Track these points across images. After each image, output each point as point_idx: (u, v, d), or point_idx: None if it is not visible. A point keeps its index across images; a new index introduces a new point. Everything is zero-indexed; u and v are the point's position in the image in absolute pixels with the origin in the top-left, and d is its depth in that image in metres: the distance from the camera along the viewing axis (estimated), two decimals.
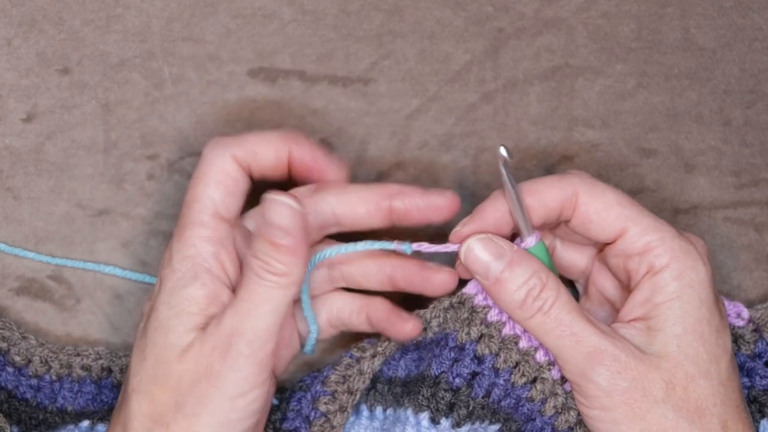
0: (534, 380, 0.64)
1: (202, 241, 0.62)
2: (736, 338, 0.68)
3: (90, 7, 0.73)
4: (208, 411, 0.60)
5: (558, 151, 0.73)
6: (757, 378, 0.67)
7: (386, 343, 0.66)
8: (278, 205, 0.60)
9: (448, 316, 0.65)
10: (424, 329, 0.66)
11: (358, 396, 0.66)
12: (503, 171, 0.63)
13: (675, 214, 0.73)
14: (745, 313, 0.68)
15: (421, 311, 0.66)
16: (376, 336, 0.69)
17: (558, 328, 0.61)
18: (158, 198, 0.73)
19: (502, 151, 0.63)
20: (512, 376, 0.64)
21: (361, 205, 0.65)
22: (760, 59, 0.74)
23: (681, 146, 0.73)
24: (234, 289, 0.63)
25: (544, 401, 0.64)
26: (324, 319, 0.68)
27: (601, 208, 0.63)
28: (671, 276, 0.61)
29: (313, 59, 0.73)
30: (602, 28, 0.74)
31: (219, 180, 0.63)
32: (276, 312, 0.61)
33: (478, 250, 0.63)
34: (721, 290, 0.72)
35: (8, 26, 0.73)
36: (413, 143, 0.73)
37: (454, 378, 0.64)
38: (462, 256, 0.63)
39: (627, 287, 0.64)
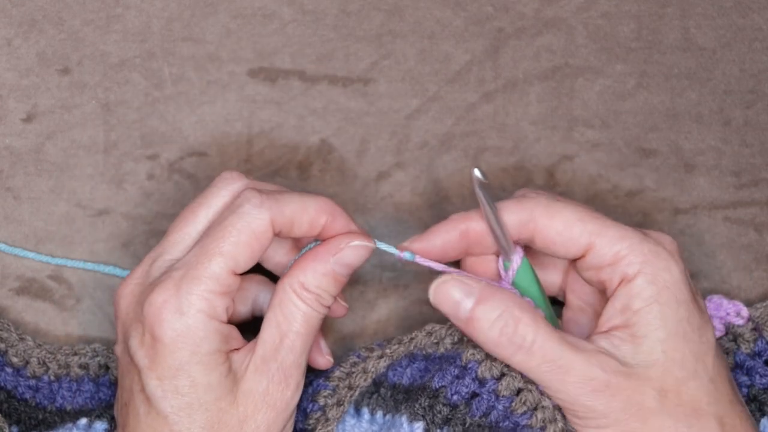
0: (535, 408, 0.63)
1: (215, 296, 0.61)
2: (736, 337, 0.68)
3: (90, 7, 0.74)
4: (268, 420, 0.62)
5: (558, 151, 0.73)
6: (757, 377, 0.67)
7: (395, 346, 0.66)
8: (363, 250, 0.63)
9: (464, 339, 0.65)
10: (436, 343, 0.66)
11: (356, 392, 0.66)
12: (479, 193, 0.62)
13: (675, 214, 0.73)
14: (745, 311, 0.68)
15: (437, 326, 0.66)
16: (386, 340, 0.69)
17: (544, 364, 0.60)
18: (158, 198, 0.73)
19: (476, 173, 0.62)
20: (513, 403, 0.63)
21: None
22: (760, 59, 0.74)
23: (681, 146, 0.73)
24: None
25: (543, 429, 0.63)
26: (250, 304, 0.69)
27: (562, 228, 0.62)
28: (646, 281, 0.61)
29: (313, 59, 0.73)
30: (602, 28, 0.74)
31: (250, 243, 0.61)
32: (314, 336, 0.64)
33: (445, 291, 0.62)
34: (721, 290, 0.72)
35: (8, 26, 0.73)
36: (413, 143, 0.73)
37: (452, 395, 0.63)
38: (431, 297, 0.63)
39: (604, 294, 0.64)
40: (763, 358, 0.67)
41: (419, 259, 0.64)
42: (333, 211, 0.63)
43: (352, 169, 0.73)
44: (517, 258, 0.64)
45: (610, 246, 0.62)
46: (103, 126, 0.73)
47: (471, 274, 0.64)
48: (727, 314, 0.68)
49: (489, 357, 0.63)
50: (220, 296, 0.60)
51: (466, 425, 0.63)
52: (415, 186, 0.73)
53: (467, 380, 0.63)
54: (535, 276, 0.65)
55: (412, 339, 0.67)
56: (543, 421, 0.62)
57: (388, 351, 0.66)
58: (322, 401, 0.66)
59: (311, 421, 0.66)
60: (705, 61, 0.74)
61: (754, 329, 0.68)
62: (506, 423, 0.63)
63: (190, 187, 0.73)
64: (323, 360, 0.67)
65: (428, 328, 0.67)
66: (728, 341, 0.68)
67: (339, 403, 0.66)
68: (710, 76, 0.74)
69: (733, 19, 0.74)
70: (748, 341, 0.67)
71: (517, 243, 0.64)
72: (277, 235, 0.62)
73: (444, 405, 0.63)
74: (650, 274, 0.61)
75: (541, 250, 0.64)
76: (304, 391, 0.67)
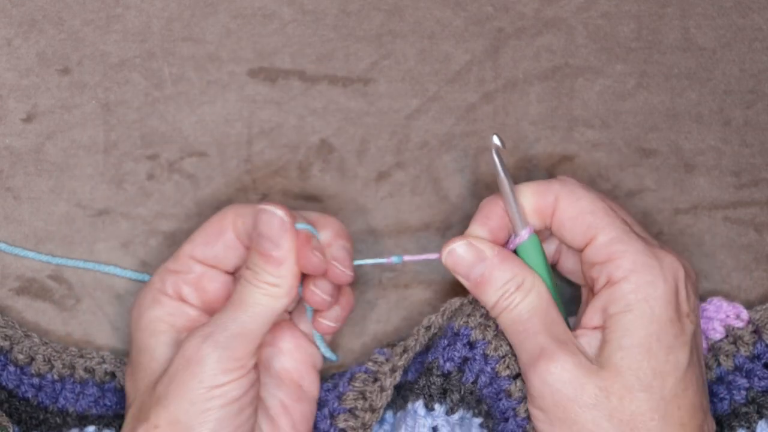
0: (516, 376, 0.64)
1: (164, 272, 0.66)
2: (735, 339, 0.68)
3: (90, 7, 0.73)
4: (187, 399, 0.61)
5: (558, 151, 0.73)
6: (756, 379, 0.67)
7: (404, 355, 0.67)
8: (268, 215, 0.62)
9: (456, 313, 0.66)
10: (435, 333, 0.66)
11: (381, 413, 0.66)
12: (497, 161, 0.64)
13: (675, 214, 0.73)
14: (745, 314, 0.68)
15: (433, 317, 0.67)
16: (388, 346, 0.69)
17: (514, 325, 0.63)
18: (158, 198, 0.73)
19: (495, 139, 0.64)
20: (498, 365, 0.64)
21: None
22: (760, 59, 0.74)
23: (681, 146, 0.73)
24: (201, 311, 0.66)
25: (519, 401, 0.64)
26: None
27: (575, 215, 0.63)
28: (628, 288, 0.62)
29: (313, 59, 0.73)
30: (602, 28, 0.74)
31: (207, 231, 0.66)
32: (262, 317, 0.62)
33: (460, 252, 0.64)
34: (721, 290, 0.72)
35: (8, 26, 0.73)
36: (413, 143, 0.73)
37: (445, 362, 0.65)
38: (444, 257, 0.64)
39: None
40: (763, 361, 0.67)
41: (407, 258, 0.66)
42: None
43: (352, 169, 0.73)
44: (525, 233, 0.64)
45: (607, 245, 0.62)
46: (103, 126, 0.73)
47: None
48: (727, 317, 0.68)
49: (482, 324, 0.65)
50: (171, 273, 0.66)
51: (461, 393, 0.64)
52: (415, 186, 0.73)
53: (458, 345, 0.65)
54: (543, 255, 0.65)
55: (416, 341, 0.67)
56: (521, 392, 0.64)
57: (399, 363, 0.67)
58: (342, 424, 0.66)
59: None
60: (705, 61, 0.74)
61: (754, 332, 0.68)
62: (491, 388, 0.64)
63: (190, 187, 0.73)
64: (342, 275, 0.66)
65: (426, 322, 0.67)
66: (728, 344, 0.68)
67: (365, 427, 0.66)
68: (710, 76, 0.74)
69: (733, 19, 0.74)
70: (747, 344, 0.67)
71: (545, 231, 0.66)
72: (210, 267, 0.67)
73: (438, 376, 0.64)
74: (634, 282, 0.61)
75: (554, 233, 0.65)
76: (320, 412, 0.67)
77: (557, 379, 0.61)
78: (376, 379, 0.67)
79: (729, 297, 0.71)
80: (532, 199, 0.64)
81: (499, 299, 0.63)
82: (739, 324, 0.68)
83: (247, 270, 0.63)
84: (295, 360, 0.67)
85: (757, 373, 0.67)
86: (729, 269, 0.72)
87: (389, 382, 0.66)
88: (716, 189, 0.73)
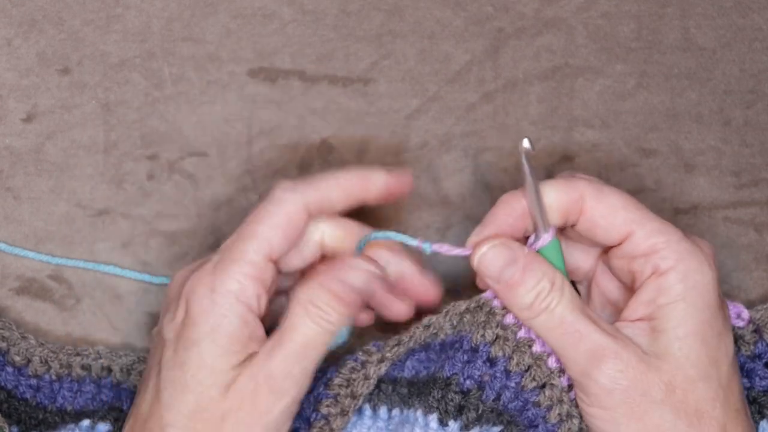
0: (543, 386, 0.63)
1: (248, 279, 0.62)
2: (736, 339, 0.68)
3: (90, 7, 0.73)
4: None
5: (558, 151, 0.73)
6: (757, 379, 0.67)
7: (395, 347, 0.66)
8: (363, 273, 0.62)
9: (465, 319, 0.65)
10: (435, 333, 0.66)
11: (360, 401, 0.66)
12: (525, 164, 0.63)
13: (675, 214, 0.73)
14: (746, 313, 0.68)
15: (434, 317, 0.66)
16: (383, 339, 0.69)
17: (561, 326, 0.61)
18: (158, 198, 0.73)
19: (525, 143, 0.63)
20: (523, 379, 0.63)
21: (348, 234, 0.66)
22: (760, 59, 0.74)
23: (681, 146, 0.73)
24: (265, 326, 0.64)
25: (549, 408, 0.63)
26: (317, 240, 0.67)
27: (607, 212, 0.63)
28: (676, 278, 0.61)
29: (313, 59, 0.73)
30: (602, 28, 0.74)
31: (283, 226, 0.63)
32: (320, 355, 0.62)
33: (491, 257, 0.62)
34: (722, 290, 0.72)
35: (8, 26, 0.73)
36: (413, 143, 0.73)
37: (465, 380, 0.64)
38: (475, 262, 0.63)
39: (630, 289, 0.64)
40: (764, 361, 0.67)
41: (437, 247, 0.64)
42: (364, 175, 0.64)
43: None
44: (548, 236, 0.63)
45: (648, 237, 0.62)
46: (103, 126, 0.73)
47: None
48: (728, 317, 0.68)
49: (500, 337, 0.64)
50: (252, 280, 0.61)
51: (479, 411, 0.63)
52: (415, 186, 0.73)
53: (479, 363, 0.64)
54: (563, 260, 0.65)
55: (411, 337, 0.66)
56: (550, 400, 0.63)
57: (387, 354, 0.66)
58: (324, 410, 0.66)
59: (314, 431, 0.66)
60: (705, 61, 0.74)
61: (755, 331, 0.68)
62: (516, 402, 0.63)
63: (190, 187, 0.73)
64: (400, 306, 0.66)
65: (425, 321, 0.66)
66: None
67: (343, 413, 0.65)
68: (710, 76, 0.74)
69: (733, 19, 0.74)
70: (748, 343, 0.67)
71: (556, 226, 0.65)
72: (317, 214, 0.64)
73: (456, 393, 0.64)
74: (682, 272, 0.61)
75: (582, 232, 0.64)
76: (306, 398, 0.66)
77: (626, 376, 0.60)
78: (363, 368, 0.66)
79: (729, 297, 0.71)
80: (559, 197, 0.63)
81: (534, 300, 0.62)
82: (740, 323, 0.68)
83: (312, 307, 0.61)
84: None
85: (758, 372, 0.67)
86: (729, 269, 0.72)
87: (373, 371, 0.66)
88: (716, 189, 0.73)
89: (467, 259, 0.64)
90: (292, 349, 0.61)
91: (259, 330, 0.62)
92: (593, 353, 0.61)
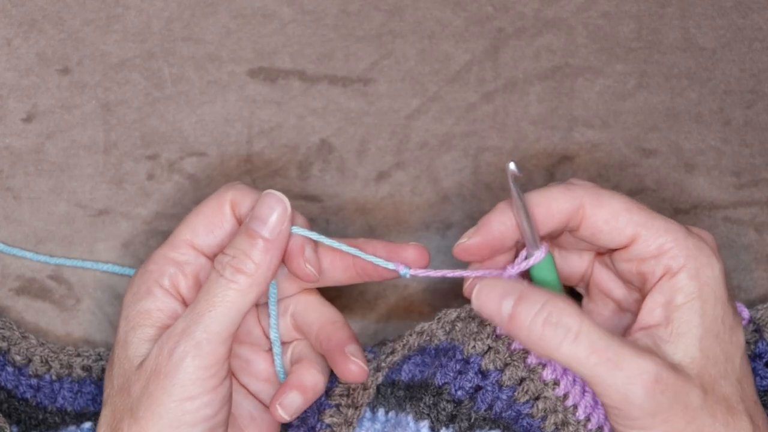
0: (537, 398, 0.63)
1: (164, 260, 0.63)
2: None
3: (90, 7, 0.73)
4: (157, 413, 0.60)
5: (558, 151, 0.73)
6: (758, 378, 0.67)
7: (390, 357, 0.66)
8: (274, 199, 0.62)
9: (457, 327, 0.65)
10: (429, 339, 0.66)
11: (363, 410, 0.66)
12: (512, 187, 0.62)
13: (675, 214, 0.73)
14: (746, 313, 0.68)
15: (426, 324, 0.66)
16: (378, 345, 0.69)
17: (593, 356, 0.58)
18: (158, 198, 0.73)
19: (512, 166, 0.62)
20: (515, 393, 0.63)
21: (336, 269, 0.65)
22: (760, 59, 0.74)
23: (681, 146, 0.73)
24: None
25: (544, 418, 0.63)
26: (288, 322, 0.67)
27: (610, 217, 0.62)
28: (688, 276, 0.60)
29: (313, 59, 0.73)
30: (602, 28, 0.74)
31: (208, 214, 0.64)
32: (230, 315, 0.61)
33: (486, 294, 0.61)
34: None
35: (8, 26, 0.73)
36: (413, 143, 0.73)
37: (456, 390, 0.63)
38: (474, 304, 0.61)
39: (636, 288, 0.64)
40: (764, 360, 0.67)
41: (413, 272, 0.64)
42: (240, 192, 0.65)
43: (352, 169, 0.73)
44: (540, 253, 0.63)
45: (655, 238, 0.61)
46: (103, 126, 0.73)
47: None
48: None
49: (491, 349, 0.63)
50: (170, 262, 0.63)
51: (472, 420, 0.63)
52: (415, 186, 0.73)
53: (470, 374, 0.63)
54: (557, 276, 0.65)
55: (405, 344, 0.66)
56: (544, 411, 0.63)
57: (383, 363, 0.66)
58: (328, 420, 0.66)
59: None
60: (705, 61, 0.74)
61: (755, 331, 0.68)
62: (509, 412, 0.63)
63: (190, 187, 0.73)
64: (352, 366, 0.64)
65: (418, 328, 0.67)
66: None
67: (347, 423, 0.66)
68: (710, 76, 0.74)
69: (733, 19, 0.74)
70: (748, 343, 0.67)
71: (546, 236, 0.64)
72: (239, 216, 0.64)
73: (448, 402, 0.63)
74: (693, 269, 0.60)
75: (585, 238, 0.63)
76: (309, 408, 0.66)
77: (667, 396, 0.58)
78: None
79: None
80: (559, 208, 0.62)
81: (543, 331, 0.59)
82: None
83: (223, 256, 0.61)
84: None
85: (759, 372, 0.67)
86: (729, 269, 0.72)
87: (371, 381, 0.66)
88: (716, 189, 0.73)
89: (458, 258, 0.64)
90: (194, 309, 0.61)
91: (177, 308, 0.63)
92: (632, 379, 0.58)
